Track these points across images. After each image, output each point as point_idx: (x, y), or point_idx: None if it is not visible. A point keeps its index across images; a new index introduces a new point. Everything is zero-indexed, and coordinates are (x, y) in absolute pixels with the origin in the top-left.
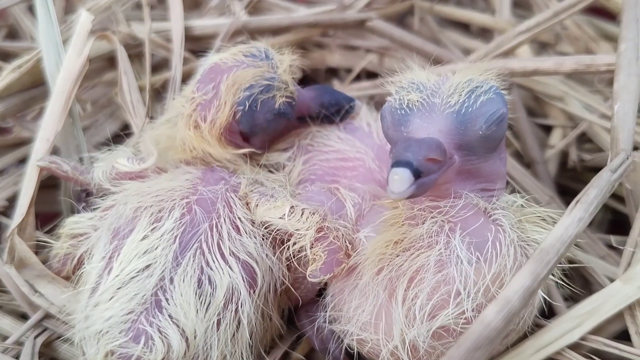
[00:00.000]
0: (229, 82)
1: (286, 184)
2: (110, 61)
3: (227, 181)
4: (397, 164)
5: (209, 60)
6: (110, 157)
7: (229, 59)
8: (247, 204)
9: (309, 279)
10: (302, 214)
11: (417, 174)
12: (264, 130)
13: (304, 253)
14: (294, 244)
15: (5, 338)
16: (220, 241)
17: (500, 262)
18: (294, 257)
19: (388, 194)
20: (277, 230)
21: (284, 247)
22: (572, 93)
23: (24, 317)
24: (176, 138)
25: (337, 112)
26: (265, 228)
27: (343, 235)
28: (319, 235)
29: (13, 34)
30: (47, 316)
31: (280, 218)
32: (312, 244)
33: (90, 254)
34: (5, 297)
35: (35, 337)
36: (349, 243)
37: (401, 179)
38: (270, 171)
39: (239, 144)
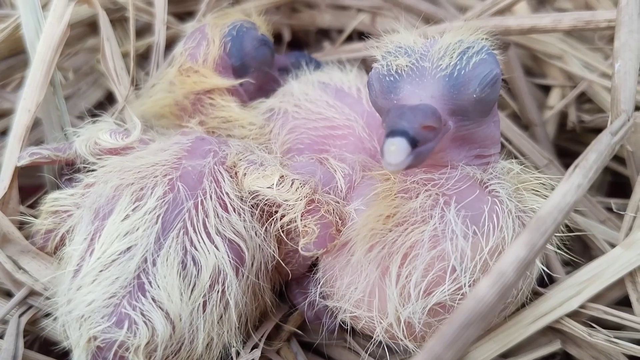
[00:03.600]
0: (212, 23)
1: (276, 150)
2: (91, 27)
3: (216, 153)
4: (392, 133)
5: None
6: (92, 129)
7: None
8: (236, 173)
9: (302, 252)
10: (292, 184)
11: (413, 143)
12: (253, 60)
13: (294, 225)
14: (283, 215)
15: None
16: (205, 220)
17: (498, 235)
18: (282, 230)
19: (384, 166)
20: (266, 201)
21: (273, 219)
22: (572, 51)
23: (8, 294)
24: (170, 101)
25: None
26: (253, 198)
27: (334, 210)
28: (310, 207)
29: None
30: (32, 293)
31: (268, 188)
32: (303, 216)
33: (72, 233)
34: None
35: (20, 316)
36: (339, 219)
37: (398, 149)
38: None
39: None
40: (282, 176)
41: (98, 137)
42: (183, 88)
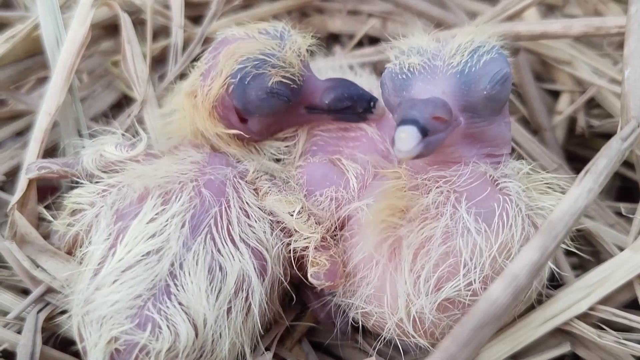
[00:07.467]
0: (227, 52)
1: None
2: (105, 29)
3: (235, 167)
4: (403, 122)
5: (224, 33)
6: (98, 143)
7: (240, 33)
8: (256, 189)
9: (311, 280)
10: (308, 219)
11: (424, 132)
12: (258, 110)
13: (306, 253)
14: (297, 241)
15: (6, 314)
16: (230, 226)
17: (508, 232)
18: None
19: (395, 154)
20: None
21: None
22: (581, 57)
23: (25, 293)
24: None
25: (351, 109)
26: (272, 216)
27: (340, 256)
28: (322, 244)
29: (7, 3)
30: (50, 290)
31: (288, 213)
32: (315, 249)
33: (89, 232)
34: (6, 272)
35: (38, 312)
36: (344, 266)
37: (408, 136)
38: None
39: (233, 122)
40: (303, 207)
41: (103, 149)
42: (188, 118)
